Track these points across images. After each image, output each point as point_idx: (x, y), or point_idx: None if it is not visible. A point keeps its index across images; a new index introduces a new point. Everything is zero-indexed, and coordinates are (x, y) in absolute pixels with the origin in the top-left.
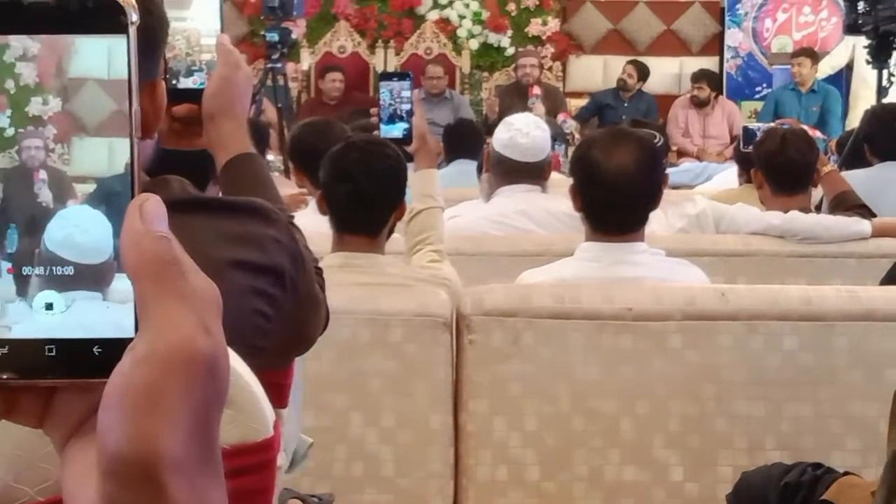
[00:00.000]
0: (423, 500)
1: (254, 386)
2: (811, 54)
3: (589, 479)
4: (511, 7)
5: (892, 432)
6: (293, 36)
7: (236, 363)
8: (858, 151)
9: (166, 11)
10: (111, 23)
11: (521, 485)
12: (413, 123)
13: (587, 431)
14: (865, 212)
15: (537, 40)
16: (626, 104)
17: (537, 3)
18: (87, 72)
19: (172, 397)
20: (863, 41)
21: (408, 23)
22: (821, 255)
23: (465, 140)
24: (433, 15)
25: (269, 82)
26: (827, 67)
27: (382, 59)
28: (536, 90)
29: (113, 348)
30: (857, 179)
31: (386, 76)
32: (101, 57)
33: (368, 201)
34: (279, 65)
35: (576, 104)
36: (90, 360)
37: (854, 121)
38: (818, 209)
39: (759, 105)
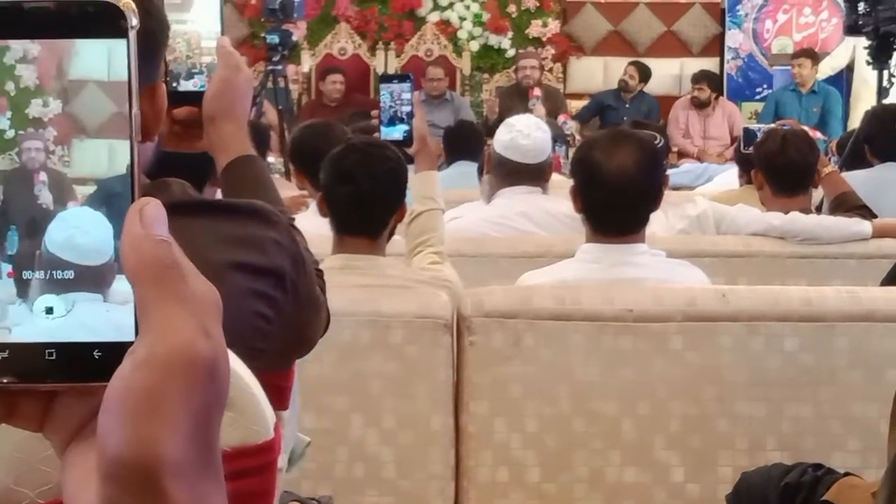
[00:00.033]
0: (424, 502)
1: (254, 388)
2: (811, 55)
3: (590, 480)
4: (511, 9)
5: (892, 433)
6: (294, 38)
7: (237, 365)
8: (859, 152)
9: (167, 14)
10: (111, 27)
11: (522, 486)
12: (413, 125)
13: (588, 433)
14: (866, 213)
15: (538, 42)
16: (627, 105)
17: (538, 4)
18: (88, 74)
19: (172, 401)
20: (863, 42)
21: (408, 24)
22: (821, 256)
23: (465, 142)
24: (434, 17)
25: (269, 84)
26: (827, 68)
27: (383, 61)
28: (537, 92)
29: (113, 352)
30: (858, 180)
31: (386, 78)
32: (102, 59)
33: (369, 203)
34: (280, 67)
35: (576, 105)
36: (90, 363)
37: (854, 122)
38: (819, 210)
39: (759, 106)
